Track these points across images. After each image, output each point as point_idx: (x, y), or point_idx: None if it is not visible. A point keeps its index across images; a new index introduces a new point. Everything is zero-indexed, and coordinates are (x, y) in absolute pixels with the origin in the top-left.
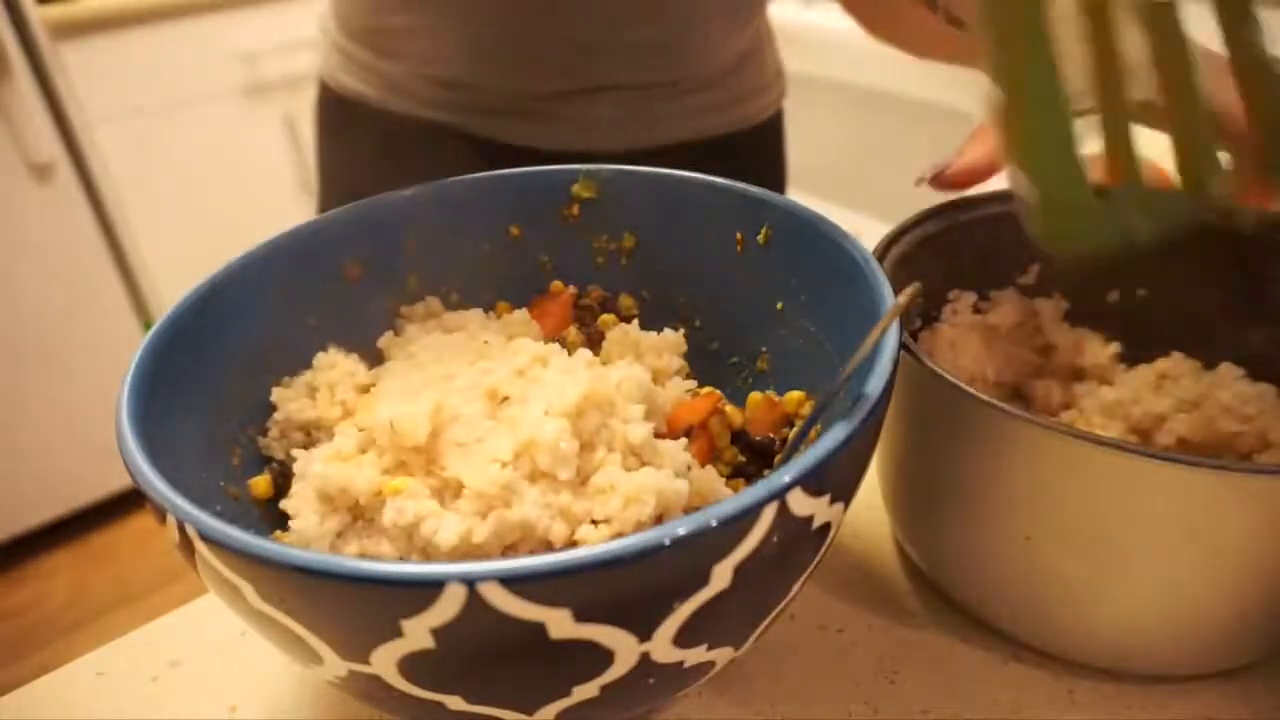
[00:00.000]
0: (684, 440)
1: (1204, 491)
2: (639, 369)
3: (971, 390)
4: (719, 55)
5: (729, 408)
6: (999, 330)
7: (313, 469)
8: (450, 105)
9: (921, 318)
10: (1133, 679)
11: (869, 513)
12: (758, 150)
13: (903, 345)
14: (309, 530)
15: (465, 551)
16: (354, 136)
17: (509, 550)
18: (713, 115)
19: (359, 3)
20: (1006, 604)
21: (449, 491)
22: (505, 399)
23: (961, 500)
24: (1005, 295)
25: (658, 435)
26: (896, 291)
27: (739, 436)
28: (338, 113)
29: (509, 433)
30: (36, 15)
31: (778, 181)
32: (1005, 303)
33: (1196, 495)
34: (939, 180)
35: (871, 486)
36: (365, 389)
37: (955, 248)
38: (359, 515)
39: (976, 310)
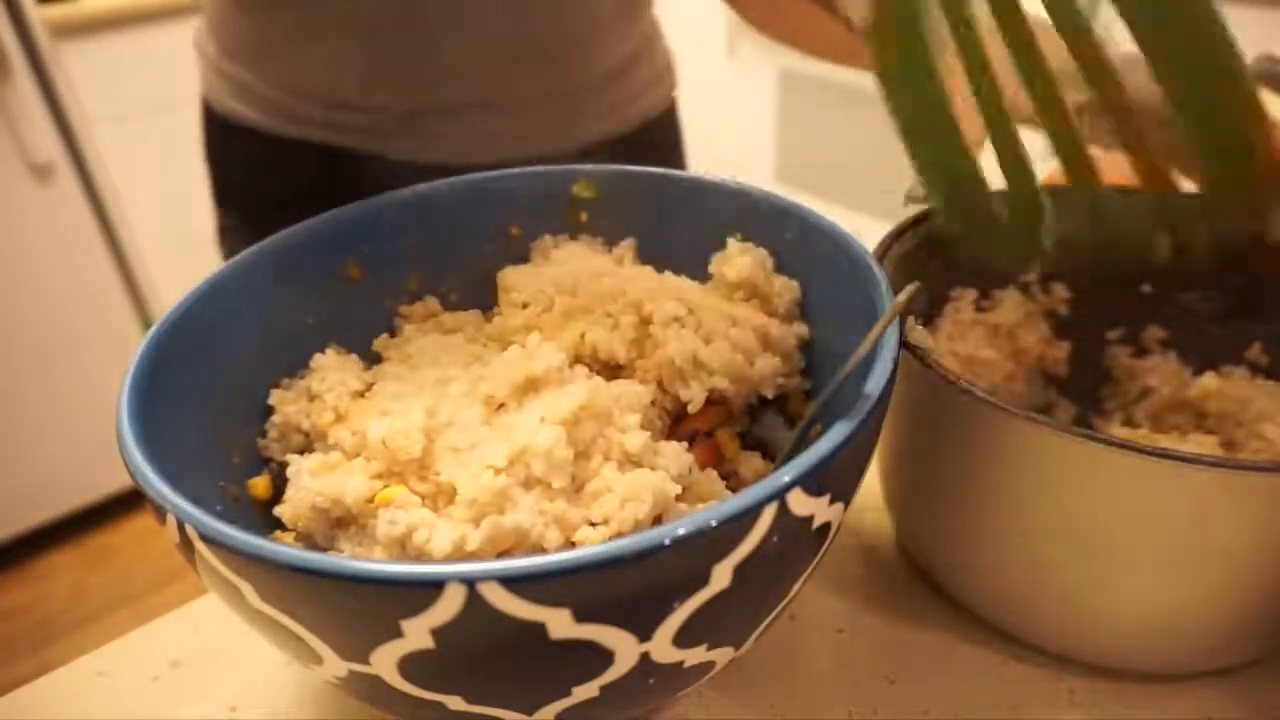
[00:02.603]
0: (685, 444)
1: (1201, 489)
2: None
3: (970, 388)
4: (612, 57)
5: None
6: (1001, 329)
7: (303, 483)
8: (339, 126)
9: (922, 317)
10: (1132, 678)
11: (869, 513)
12: (658, 144)
13: (903, 344)
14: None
15: (459, 558)
16: (243, 155)
17: (503, 556)
18: (612, 116)
19: (238, 24)
20: (1004, 601)
21: (442, 496)
22: (501, 405)
23: (959, 497)
24: (1007, 294)
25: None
26: (896, 291)
27: (739, 436)
28: (222, 133)
29: (504, 439)
30: (36, 15)
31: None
32: (1007, 301)
33: (1194, 493)
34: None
35: (872, 486)
36: (361, 393)
37: (956, 247)
38: (352, 521)
39: (978, 309)
